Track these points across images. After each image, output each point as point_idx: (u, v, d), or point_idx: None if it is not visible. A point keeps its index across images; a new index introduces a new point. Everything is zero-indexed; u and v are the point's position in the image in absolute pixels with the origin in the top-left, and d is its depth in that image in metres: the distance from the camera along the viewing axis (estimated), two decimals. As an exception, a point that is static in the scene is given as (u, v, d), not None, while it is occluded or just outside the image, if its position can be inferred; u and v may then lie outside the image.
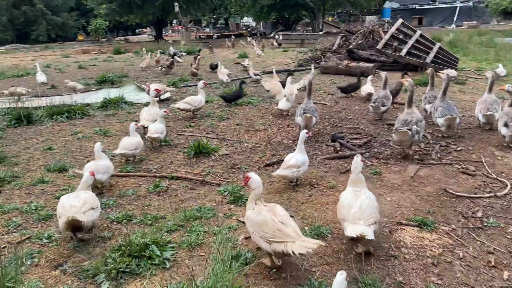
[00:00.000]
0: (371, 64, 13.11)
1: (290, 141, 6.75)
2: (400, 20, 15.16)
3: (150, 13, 41.17)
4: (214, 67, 15.23)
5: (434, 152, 5.95)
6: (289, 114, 8.44)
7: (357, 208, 3.36)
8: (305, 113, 6.51)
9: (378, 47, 14.13)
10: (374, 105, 7.69)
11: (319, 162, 5.76)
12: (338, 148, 6.25)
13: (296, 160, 4.79)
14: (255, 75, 12.95)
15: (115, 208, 4.46)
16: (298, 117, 6.71)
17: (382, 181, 5.03)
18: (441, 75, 7.10)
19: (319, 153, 6.18)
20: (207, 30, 72.69)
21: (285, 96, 8.46)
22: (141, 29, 79.06)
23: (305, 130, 4.93)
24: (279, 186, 4.97)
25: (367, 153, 6.05)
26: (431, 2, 52.72)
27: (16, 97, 9.98)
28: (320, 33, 39.15)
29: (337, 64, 14.01)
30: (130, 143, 5.79)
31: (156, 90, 7.46)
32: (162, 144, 6.65)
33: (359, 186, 3.64)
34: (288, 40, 29.57)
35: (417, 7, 50.96)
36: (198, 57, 15.37)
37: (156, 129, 6.36)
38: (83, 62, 20.06)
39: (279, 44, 28.11)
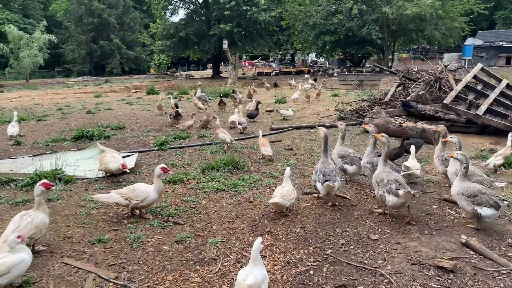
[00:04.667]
0: (432, 126, 9.42)
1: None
2: (479, 65, 11.29)
3: (206, 49, 40.21)
4: (253, 116, 12.89)
5: None
6: (287, 214, 5.21)
7: None
8: (326, 180, 5.38)
9: (445, 101, 10.38)
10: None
11: None
12: None
13: (255, 278, 3.09)
14: (239, 123, 10.37)
15: None
16: (318, 184, 5.55)
17: None
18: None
19: None
20: (273, 65, 71.54)
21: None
22: (209, 64, 79.91)
23: (260, 239, 3.26)
24: None
25: None
26: (522, 38, 46.27)
27: None
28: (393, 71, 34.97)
29: (387, 122, 10.48)
30: None
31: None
32: (12, 290, 3.75)
33: None
34: (344, 81, 25.71)
35: (504, 45, 44.83)
36: (207, 109, 12.77)
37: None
38: (105, 104, 18.33)
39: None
